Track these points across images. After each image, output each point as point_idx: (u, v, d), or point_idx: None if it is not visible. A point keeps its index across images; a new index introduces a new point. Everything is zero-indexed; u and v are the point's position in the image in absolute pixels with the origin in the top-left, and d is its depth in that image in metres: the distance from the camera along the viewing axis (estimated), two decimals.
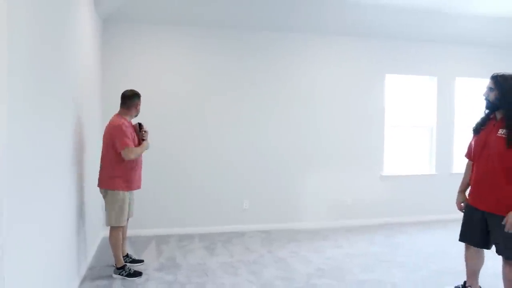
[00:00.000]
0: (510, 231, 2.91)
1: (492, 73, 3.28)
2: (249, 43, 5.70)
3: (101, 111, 5.21)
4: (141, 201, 5.41)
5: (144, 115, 5.35)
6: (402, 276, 4.10)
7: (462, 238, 3.41)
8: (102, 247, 4.88)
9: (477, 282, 3.43)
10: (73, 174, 3.49)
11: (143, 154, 4.19)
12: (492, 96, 3.18)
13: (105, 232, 5.27)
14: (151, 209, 5.46)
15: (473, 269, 3.40)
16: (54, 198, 2.85)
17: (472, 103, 6.62)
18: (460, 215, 3.48)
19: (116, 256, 4.04)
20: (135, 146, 4.00)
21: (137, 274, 4.05)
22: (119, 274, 4.02)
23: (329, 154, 6.01)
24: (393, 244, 5.16)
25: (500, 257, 3.15)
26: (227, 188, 5.68)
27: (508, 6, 5.43)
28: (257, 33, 5.70)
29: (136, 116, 4.24)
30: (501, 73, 3.20)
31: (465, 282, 3.47)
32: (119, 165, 3.93)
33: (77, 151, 3.65)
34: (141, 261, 4.42)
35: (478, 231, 3.24)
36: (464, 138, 6.34)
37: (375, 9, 5.48)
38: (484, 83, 6.92)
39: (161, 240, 5.23)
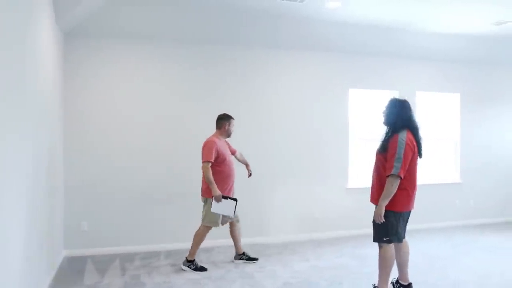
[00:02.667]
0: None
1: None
2: (211, 58, 5.70)
3: (63, 123, 5.07)
4: (103, 218, 5.28)
5: (107, 129, 5.27)
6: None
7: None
8: (63, 268, 4.70)
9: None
10: (31, 191, 3.36)
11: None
12: (384, 114, 3.92)
13: (66, 251, 5.10)
14: (115, 226, 5.31)
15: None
16: (9, 214, 2.72)
17: (432, 116, 6.85)
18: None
19: (192, 249, 4.68)
20: (226, 161, 4.70)
21: (203, 269, 4.62)
22: (188, 267, 4.63)
23: (295, 168, 6.04)
24: (361, 256, 5.20)
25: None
26: (192, 203, 5.58)
27: (464, 24, 5.67)
28: (219, 47, 5.71)
29: (228, 136, 4.86)
30: (394, 98, 3.96)
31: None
32: (215, 175, 4.57)
33: (37, 167, 3.51)
34: (256, 259, 4.97)
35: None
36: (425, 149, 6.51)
37: (338, 25, 5.61)
38: (443, 97, 7.19)
39: (126, 258, 5.08)
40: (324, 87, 6.20)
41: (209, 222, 4.66)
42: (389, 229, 3.71)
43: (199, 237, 4.69)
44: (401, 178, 3.60)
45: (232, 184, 4.81)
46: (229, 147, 4.93)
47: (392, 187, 3.60)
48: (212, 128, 5.68)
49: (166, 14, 5.08)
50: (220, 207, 4.54)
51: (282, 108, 5.99)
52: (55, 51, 4.51)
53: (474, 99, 7.08)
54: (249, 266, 4.80)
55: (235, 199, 4.61)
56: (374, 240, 3.84)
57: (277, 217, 5.95)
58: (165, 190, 5.50)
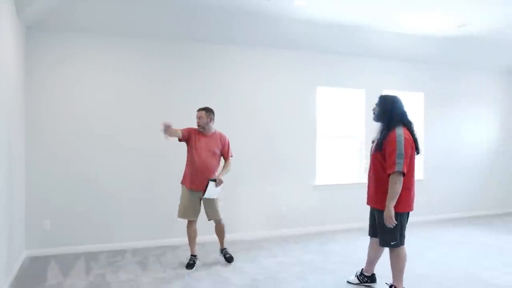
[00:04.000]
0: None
1: (381, 94, 3.93)
2: (177, 54, 5.64)
3: (24, 119, 4.92)
4: (67, 217, 5.16)
5: (70, 126, 5.15)
6: (334, 282, 4.19)
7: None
8: (24, 268, 4.58)
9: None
10: None
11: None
12: (376, 111, 3.81)
13: (28, 252, 4.96)
14: (79, 225, 5.20)
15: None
16: None
17: None
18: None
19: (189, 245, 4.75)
20: (196, 152, 4.56)
21: (188, 266, 4.60)
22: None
23: (263, 165, 6.06)
24: (326, 252, 5.27)
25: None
26: (159, 201, 5.54)
27: (428, 25, 5.81)
28: (185, 44, 5.66)
29: (200, 129, 4.64)
30: (386, 94, 3.84)
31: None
32: (187, 162, 4.64)
33: None
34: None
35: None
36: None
37: (305, 24, 5.65)
38: (407, 96, 7.36)
39: (91, 256, 4.99)
40: (292, 84, 6.24)
41: (179, 214, 4.69)
42: (397, 232, 3.58)
43: (187, 233, 4.73)
44: (404, 174, 3.44)
45: (201, 180, 4.56)
46: (223, 147, 4.78)
47: (396, 185, 3.42)
48: (182, 125, 5.64)
49: (128, 8, 4.97)
50: (211, 191, 4.55)
51: (249, 106, 6.00)
52: (16, 45, 4.36)
53: (437, 98, 7.29)
54: (217, 263, 4.80)
55: (214, 180, 4.57)
56: (382, 245, 3.71)
57: (244, 214, 5.97)
58: (131, 188, 5.42)
